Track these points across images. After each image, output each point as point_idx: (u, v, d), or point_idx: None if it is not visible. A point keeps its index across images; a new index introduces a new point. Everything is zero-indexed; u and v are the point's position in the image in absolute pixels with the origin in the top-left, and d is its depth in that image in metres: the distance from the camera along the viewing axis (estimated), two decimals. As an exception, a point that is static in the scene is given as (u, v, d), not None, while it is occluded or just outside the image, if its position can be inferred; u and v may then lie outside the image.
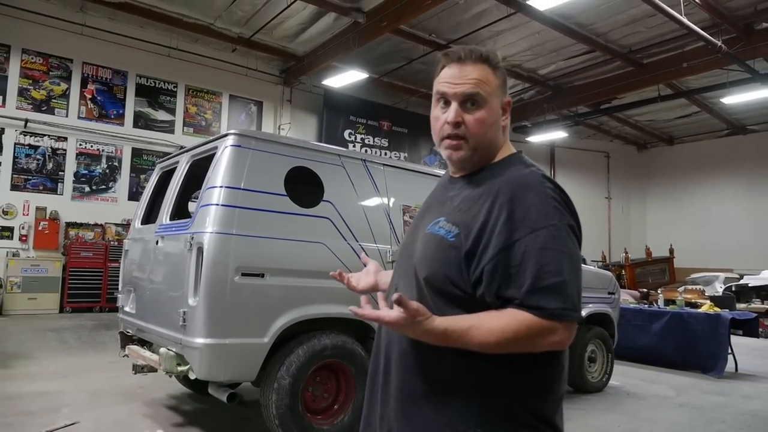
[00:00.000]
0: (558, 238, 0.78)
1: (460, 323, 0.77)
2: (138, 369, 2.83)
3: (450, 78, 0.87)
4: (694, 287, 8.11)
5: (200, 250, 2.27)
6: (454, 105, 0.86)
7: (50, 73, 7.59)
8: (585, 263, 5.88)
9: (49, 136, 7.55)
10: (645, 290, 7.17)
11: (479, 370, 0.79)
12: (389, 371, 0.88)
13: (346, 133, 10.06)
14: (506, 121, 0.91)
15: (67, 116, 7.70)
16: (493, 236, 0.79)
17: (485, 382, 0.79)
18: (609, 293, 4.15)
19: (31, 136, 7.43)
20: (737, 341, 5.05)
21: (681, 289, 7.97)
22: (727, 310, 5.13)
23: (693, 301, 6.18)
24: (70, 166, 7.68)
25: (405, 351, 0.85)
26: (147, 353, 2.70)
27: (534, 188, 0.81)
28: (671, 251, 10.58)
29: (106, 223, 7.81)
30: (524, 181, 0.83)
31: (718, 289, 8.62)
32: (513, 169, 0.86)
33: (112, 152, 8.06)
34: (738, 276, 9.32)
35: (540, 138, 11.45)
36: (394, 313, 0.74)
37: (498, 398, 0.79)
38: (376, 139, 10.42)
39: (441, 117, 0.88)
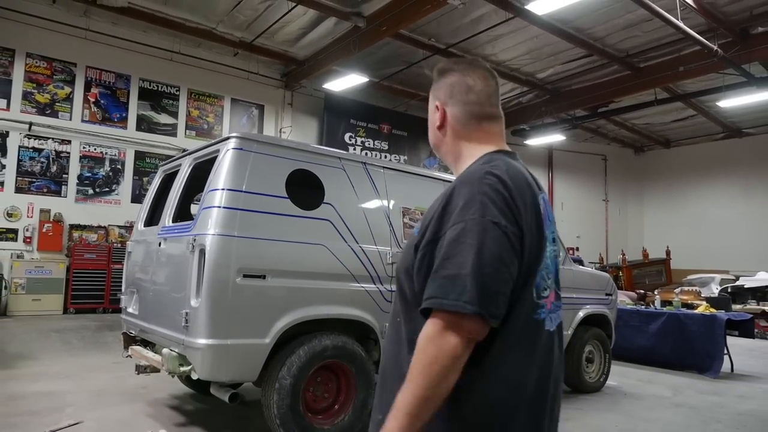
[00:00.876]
0: (471, 232, 0.76)
1: (398, 401, 0.75)
2: (141, 369, 2.87)
3: None
4: (690, 288, 8.13)
5: (202, 252, 2.30)
6: None
7: (54, 76, 7.65)
8: (582, 264, 5.94)
9: (53, 139, 7.61)
10: (642, 291, 7.20)
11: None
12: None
13: (346, 136, 10.12)
14: (444, 121, 0.96)
15: (70, 119, 7.76)
16: (428, 230, 0.82)
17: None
18: (606, 294, 4.19)
19: (35, 139, 7.50)
20: (733, 342, 5.07)
21: (677, 290, 7.98)
22: (723, 311, 5.15)
23: (689, 302, 6.21)
24: (74, 168, 7.73)
25: (386, 336, 0.95)
26: (150, 354, 2.73)
27: (470, 183, 0.81)
28: (668, 253, 10.62)
29: (109, 225, 7.85)
30: (467, 176, 0.84)
31: (714, 290, 8.64)
32: (471, 166, 0.89)
33: (115, 155, 8.12)
34: (734, 277, 9.35)
35: (538, 141, 11.51)
36: None
37: None
38: (376, 142, 10.48)
39: None
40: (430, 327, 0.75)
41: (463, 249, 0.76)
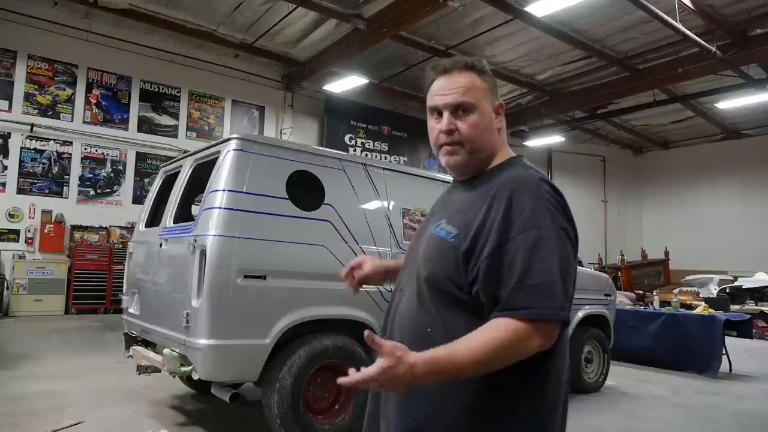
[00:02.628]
0: (548, 239, 0.78)
1: (440, 351, 0.75)
2: (142, 369, 2.87)
3: (439, 90, 0.91)
4: (688, 289, 8.18)
5: (203, 253, 2.30)
6: (445, 114, 0.90)
7: (56, 78, 7.69)
8: (582, 265, 5.96)
9: (54, 140, 7.65)
10: (641, 292, 7.23)
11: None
12: None
13: (346, 138, 10.16)
14: (501, 123, 0.93)
15: (72, 121, 7.79)
16: (490, 236, 0.80)
17: (484, 385, 0.79)
18: (605, 295, 4.19)
19: (36, 141, 7.53)
20: (731, 342, 5.07)
21: (676, 290, 8.03)
22: (722, 311, 5.18)
23: (688, 302, 6.25)
24: (75, 169, 7.77)
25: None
26: (151, 354, 2.74)
27: (530, 190, 0.82)
28: (666, 254, 10.66)
29: (110, 225, 7.88)
30: (521, 182, 0.84)
31: (713, 290, 8.66)
32: (512, 171, 0.88)
33: (116, 156, 8.16)
34: (732, 278, 9.39)
35: (537, 142, 11.54)
36: (373, 367, 0.71)
37: (489, 398, 0.79)
38: (376, 143, 10.52)
39: (436, 127, 0.91)
40: (518, 327, 0.75)
41: (546, 256, 0.77)
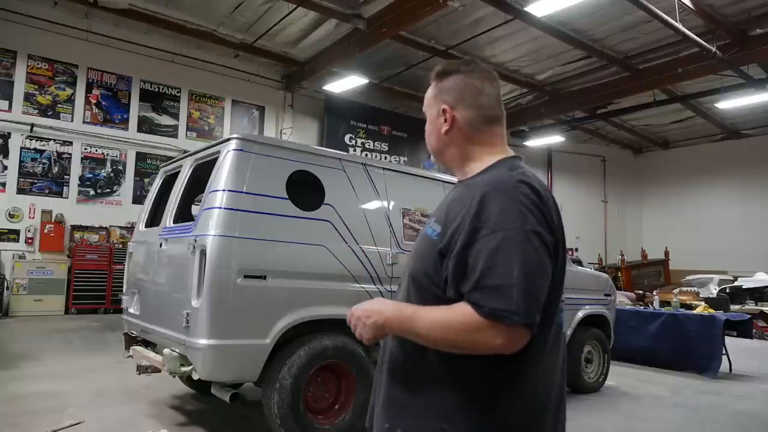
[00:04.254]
0: (514, 241, 0.77)
1: (409, 306, 0.84)
2: (142, 369, 2.87)
3: None
4: (688, 289, 8.20)
5: (203, 253, 2.30)
6: None
7: (56, 78, 7.70)
8: (582, 265, 5.96)
9: (54, 140, 7.65)
10: (641, 292, 7.25)
11: (455, 368, 0.81)
12: (384, 362, 0.94)
13: (346, 138, 10.16)
14: (450, 124, 0.93)
15: (72, 121, 7.80)
16: (461, 235, 0.81)
17: (458, 380, 0.81)
18: (605, 295, 4.19)
19: (36, 141, 7.53)
20: (731, 342, 5.07)
21: (676, 290, 8.05)
22: (722, 311, 5.18)
23: (688, 302, 6.26)
24: (75, 169, 7.77)
25: (394, 343, 0.91)
26: (151, 354, 2.74)
27: (505, 191, 0.81)
28: (666, 254, 10.68)
29: (110, 225, 7.89)
30: (498, 184, 0.83)
31: (713, 290, 8.67)
32: (495, 173, 0.88)
33: (116, 156, 8.16)
34: (732, 278, 9.42)
35: (537, 142, 11.55)
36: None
37: (466, 397, 0.80)
38: (376, 143, 10.52)
39: None
40: (473, 317, 0.76)
41: (507, 259, 0.76)
